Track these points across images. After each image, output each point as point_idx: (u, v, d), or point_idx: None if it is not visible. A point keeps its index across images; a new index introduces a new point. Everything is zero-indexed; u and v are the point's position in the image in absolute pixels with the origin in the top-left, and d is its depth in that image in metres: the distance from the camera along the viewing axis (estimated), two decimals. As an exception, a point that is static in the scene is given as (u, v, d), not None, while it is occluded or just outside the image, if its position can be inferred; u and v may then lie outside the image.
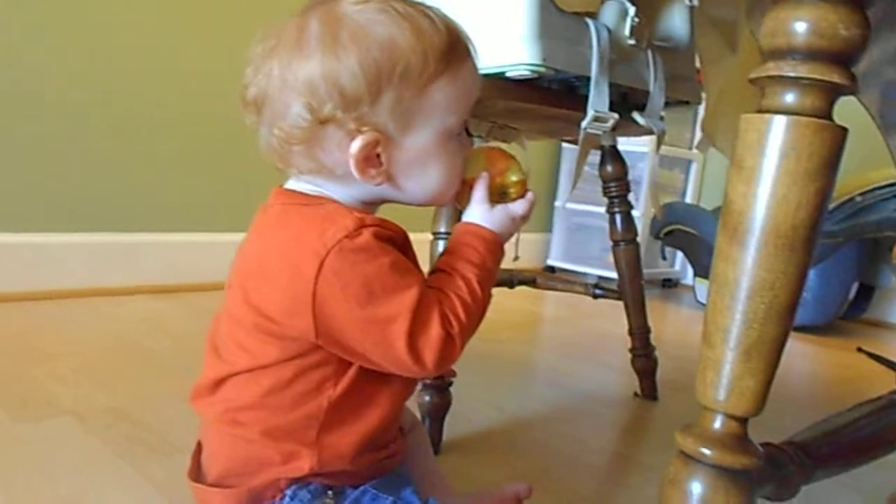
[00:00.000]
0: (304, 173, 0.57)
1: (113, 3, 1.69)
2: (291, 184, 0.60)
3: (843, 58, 0.45)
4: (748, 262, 0.48)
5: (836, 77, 0.45)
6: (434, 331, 0.53)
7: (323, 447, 0.56)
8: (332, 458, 0.57)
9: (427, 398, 0.95)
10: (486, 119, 1.04)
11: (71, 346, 1.33)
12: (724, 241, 0.50)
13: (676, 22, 1.10)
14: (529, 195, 0.63)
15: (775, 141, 0.46)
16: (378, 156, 0.55)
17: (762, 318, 0.48)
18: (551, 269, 2.93)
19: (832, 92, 0.46)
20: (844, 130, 0.46)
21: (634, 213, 1.29)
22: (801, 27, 0.45)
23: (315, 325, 0.52)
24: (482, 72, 0.86)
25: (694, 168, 2.90)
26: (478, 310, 0.57)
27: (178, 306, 1.71)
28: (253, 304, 0.55)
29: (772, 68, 0.47)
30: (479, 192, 0.61)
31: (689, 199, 2.90)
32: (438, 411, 0.96)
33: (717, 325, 0.50)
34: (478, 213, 0.61)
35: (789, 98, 0.47)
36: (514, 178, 0.63)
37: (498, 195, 0.62)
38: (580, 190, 2.56)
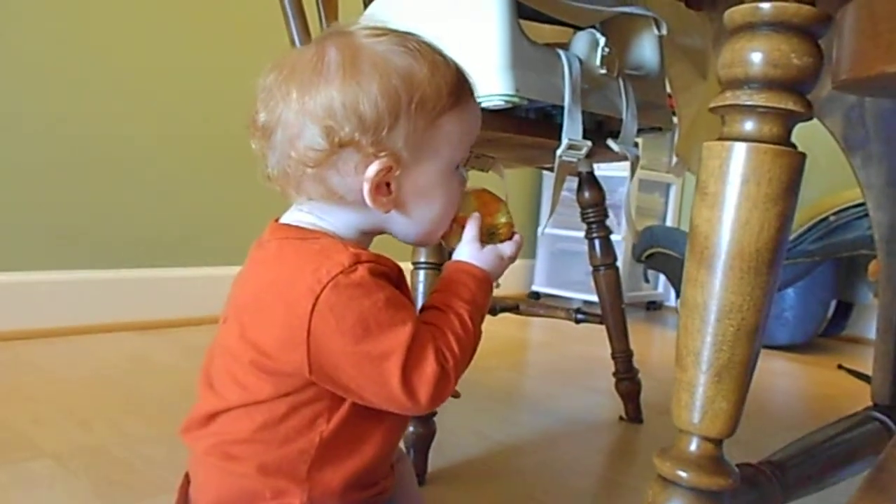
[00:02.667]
0: (313, 199, 0.57)
1: (95, 41, 1.70)
2: (288, 216, 0.60)
3: (797, 86, 0.47)
4: (716, 286, 0.49)
5: (791, 104, 0.47)
6: (429, 367, 0.53)
7: (314, 483, 0.56)
8: (323, 495, 0.57)
9: (411, 429, 0.94)
10: (462, 149, 1.05)
11: (52, 385, 1.31)
12: (691, 265, 0.51)
13: (647, 51, 1.13)
14: (517, 237, 0.66)
15: (736, 167, 0.48)
16: (388, 184, 0.56)
17: (731, 340, 0.49)
18: (536, 295, 2.94)
19: (789, 119, 0.48)
20: (803, 156, 0.48)
21: (616, 237, 1.31)
22: (756, 57, 0.47)
23: (309, 361, 0.52)
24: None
25: (673, 191, 2.94)
26: (470, 345, 0.58)
27: (163, 342, 1.70)
28: (249, 340, 0.55)
29: (730, 97, 0.49)
30: (472, 232, 0.63)
31: (669, 222, 2.93)
32: (423, 442, 0.96)
33: (689, 348, 0.51)
34: (469, 251, 0.63)
35: (748, 126, 0.48)
36: (503, 220, 0.65)
37: (487, 235, 0.64)
38: (562, 215, 2.58)
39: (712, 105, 0.51)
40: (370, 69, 0.53)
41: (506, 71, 0.86)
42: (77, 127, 1.69)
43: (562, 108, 0.94)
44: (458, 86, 0.57)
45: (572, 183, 1.27)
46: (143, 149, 1.81)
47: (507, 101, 0.86)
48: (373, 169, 0.54)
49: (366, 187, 0.55)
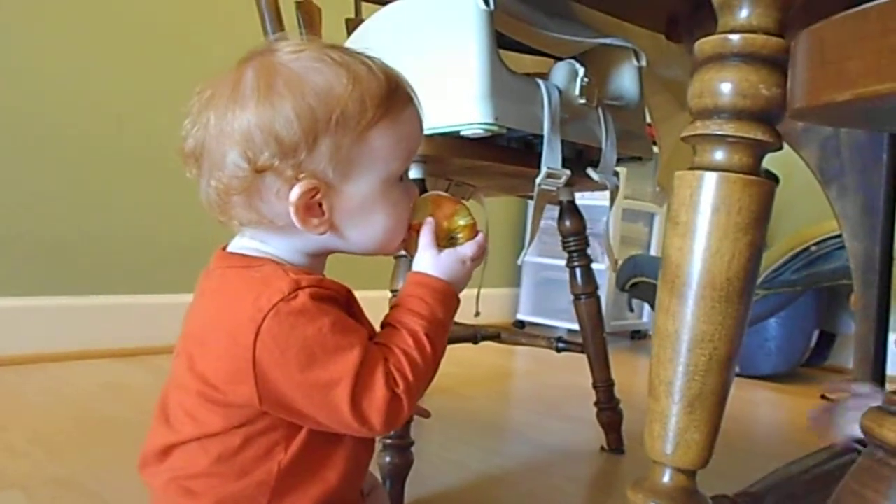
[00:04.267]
0: (245, 225, 0.56)
1: (51, 72, 1.70)
2: (234, 244, 0.59)
3: (766, 116, 0.47)
4: (688, 315, 0.49)
5: (760, 134, 0.47)
6: (378, 392, 0.52)
7: None
8: None
9: (388, 459, 0.93)
10: (442, 177, 1.06)
11: (24, 414, 1.28)
12: (664, 294, 0.51)
13: (626, 81, 1.14)
14: (479, 237, 0.62)
15: (707, 197, 0.48)
16: (320, 205, 0.54)
17: (703, 370, 0.49)
18: (521, 324, 2.93)
19: (758, 148, 0.48)
20: (772, 185, 0.48)
21: (599, 266, 1.31)
22: (725, 88, 0.47)
23: (258, 392, 0.51)
24: (438, 131, 0.89)
25: (657, 221, 2.95)
26: (427, 365, 0.55)
27: (138, 370, 1.67)
28: (197, 372, 0.54)
29: (700, 127, 0.49)
30: (426, 238, 0.60)
31: (652, 252, 2.94)
32: (399, 472, 0.94)
33: (661, 378, 0.51)
34: (425, 259, 0.60)
35: (718, 155, 0.48)
36: (461, 222, 0.62)
37: (446, 240, 0.61)
38: (546, 244, 2.58)
39: (683, 135, 0.51)
40: (284, 89, 0.52)
41: (485, 100, 0.86)
42: (49, 152, 1.68)
43: (541, 136, 0.94)
44: (388, 95, 0.55)
45: (555, 211, 1.27)
46: (115, 175, 1.79)
47: (486, 130, 0.87)
48: (295, 193, 0.53)
49: (292, 211, 0.53)
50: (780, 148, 0.49)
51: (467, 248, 0.61)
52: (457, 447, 1.28)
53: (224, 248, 0.60)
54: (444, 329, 0.59)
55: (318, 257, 0.60)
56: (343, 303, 0.56)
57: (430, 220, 0.61)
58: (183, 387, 0.56)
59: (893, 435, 0.29)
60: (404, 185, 0.59)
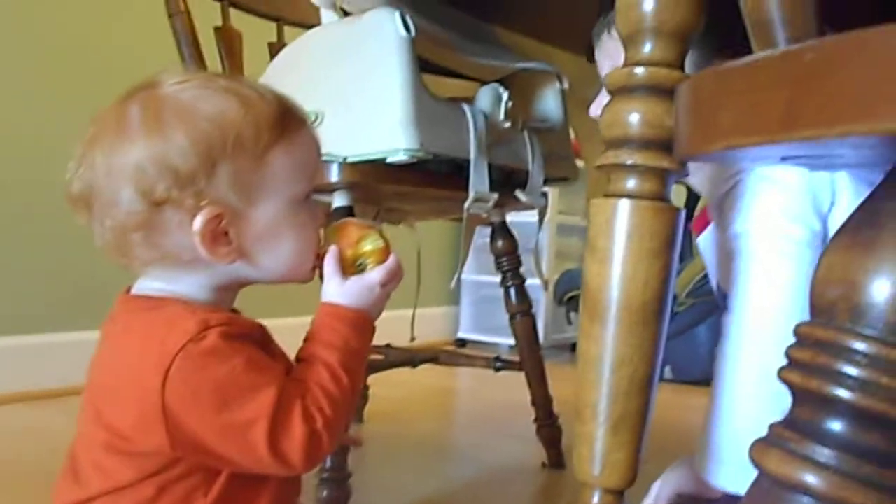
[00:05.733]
0: (147, 265, 0.54)
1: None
2: (137, 286, 0.57)
3: (671, 145, 0.49)
4: (608, 339, 0.50)
5: (666, 163, 0.49)
6: (296, 430, 0.50)
7: None
8: None
9: (325, 493, 0.92)
10: (372, 203, 1.06)
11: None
12: (585, 319, 0.52)
13: (550, 104, 1.17)
14: (389, 261, 0.61)
15: (621, 223, 0.50)
16: (226, 233, 0.53)
17: (625, 392, 0.50)
18: (462, 342, 2.94)
19: (666, 176, 0.50)
20: (680, 210, 0.50)
21: (535, 281, 1.33)
22: (633, 119, 0.49)
23: (170, 438, 0.49)
24: (364, 158, 0.89)
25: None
26: (344, 397, 0.54)
27: (58, 413, 1.59)
28: (104, 423, 0.52)
29: (612, 157, 0.51)
30: (328, 267, 0.59)
31: (588, 264, 3.00)
32: (338, 505, 0.93)
33: (586, 401, 0.52)
34: (330, 288, 0.59)
35: (630, 183, 0.50)
36: (368, 247, 0.60)
37: (354, 268, 0.60)
38: (484, 262, 2.60)
39: (597, 163, 0.52)
40: (175, 119, 0.51)
41: (409, 126, 0.87)
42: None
43: (469, 160, 0.95)
44: (281, 117, 0.54)
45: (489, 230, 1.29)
46: (22, 209, 1.71)
47: (411, 156, 0.87)
48: (199, 221, 0.51)
49: (198, 242, 0.51)
50: (687, 175, 0.51)
51: (375, 274, 0.60)
52: (397, 473, 1.27)
53: (127, 291, 0.57)
54: (360, 357, 0.58)
55: (229, 291, 0.58)
56: (257, 339, 0.54)
57: (332, 248, 0.60)
58: (90, 440, 0.54)
59: (776, 466, 0.31)
60: (310, 207, 0.58)
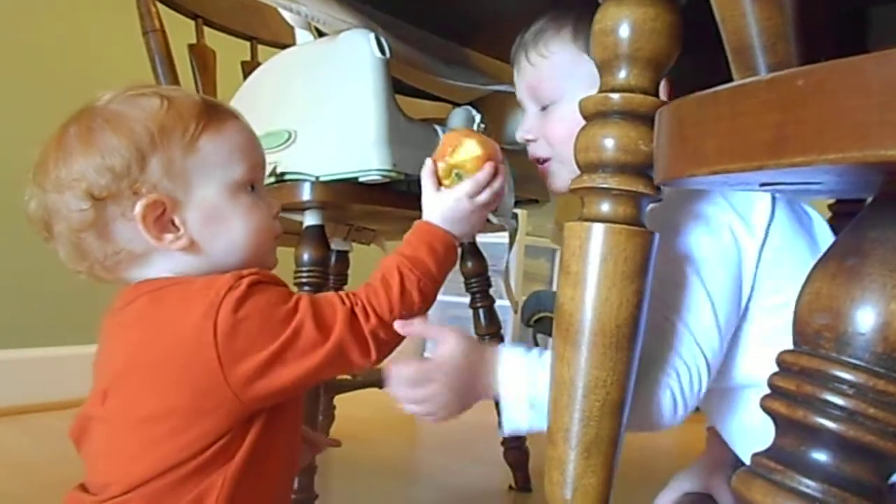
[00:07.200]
0: (104, 263, 0.57)
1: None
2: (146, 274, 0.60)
3: (645, 169, 0.50)
4: (581, 363, 0.50)
5: (641, 187, 0.49)
6: (339, 312, 0.57)
7: None
8: None
9: (290, 515, 0.90)
10: (343, 222, 1.05)
11: None
12: (559, 342, 0.52)
13: (522, 127, 1.17)
14: (480, 173, 0.64)
15: (595, 247, 0.50)
16: (173, 222, 0.57)
17: (598, 416, 0.50)
18: (429, 362, 2.92)
19: (640, 200, 0.50)
20: (653, 234, 0.50)
21: (504, 302, 1.33)
22: (608, 143, 0.50)
23: (231, 386, 0.53)
24: (336, 177, 0.88)
25: (559, 257, 3.04)
26: (389, 294, 0.60)
27: (18, 432, 1.54)
28: (138, 414, 0.54)
29: (586, 180, 0.51)
30: (423, 181, 0.66)
31: (555, 287, 3.01)
32: (303, 528, 0.91)
33: (558, 424, 0.51)
34: (423, 201, 0.65)
35: (604, 207, 0.50)
36: (460, 157, 0.60)
37: (451, 178, 0.61)
38: (452, 282, 2.58)
39: (571, 187, 0.53)
40: (105, 126, 0.56)
41: (382, 146, 0.87)
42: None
43: (441, 181, 0.95)
44: (204, 109, 0.59)
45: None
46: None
47: (384, 176, 0.87)
48: (139, 207, 0.55)
49: (141, 228, 0.55)
50: (660, 199, 0.51)
51: (462, 187, 0.64)
52: (363, 496, 1.25)
53: (136, 284, 0.59)
54: (424, 265, 0.63)
55: None
56: (283, 284, 0.59)
57: (427, 162, 0.65)
58: (119, 439, 0.55)
59: (761, 497, 0.31)
60: (259, 196, 0.62)
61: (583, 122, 0.52)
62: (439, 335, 0.62)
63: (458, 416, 0.64)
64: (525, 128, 0.76)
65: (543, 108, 0.74)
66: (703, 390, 0.59)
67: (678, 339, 0.58)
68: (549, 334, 2.53)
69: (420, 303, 0.62)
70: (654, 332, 0.55)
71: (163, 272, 0.58)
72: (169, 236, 0.57)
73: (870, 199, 0.31)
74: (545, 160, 0.75)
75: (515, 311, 1.95)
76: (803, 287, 0.31)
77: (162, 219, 0.56)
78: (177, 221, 0.57)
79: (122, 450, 0.55)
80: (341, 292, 0.59)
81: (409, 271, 0.61)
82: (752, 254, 0.59)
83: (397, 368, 0.63)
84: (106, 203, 0.55)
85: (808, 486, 0.31)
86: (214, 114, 0.59)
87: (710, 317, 0.58)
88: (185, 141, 0.56)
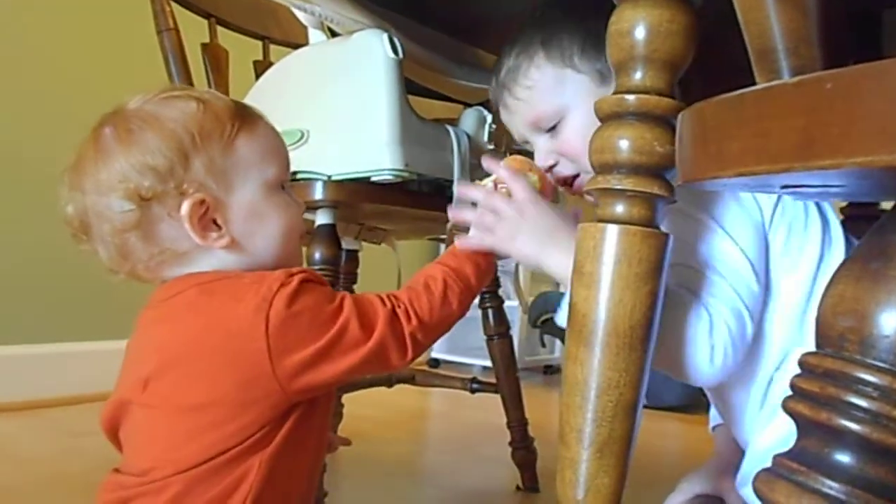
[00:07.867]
0: (148, 263, 0.58)
1: None
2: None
3: (661, 171, 0.50)
4: (594, 363, 0.50)
5: (656, 189, 0.49)
6: (377, 306, 0.60)
7: None
8: None
9: (299, 513, 0.90)
10: (354, 221, 1.05)
11: None
12: (571, 343, 0.52)
13: (533, 127, 1.18)
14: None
15: (609, 248, 0.50)
16: (215, 221, 0.58)
17: (611, 416, 0.50)
18: (436, 362, 2.93)
19: (655, 202, 0.50)
20: (667, 236, 0.50)
21: (512, 303, 1.33)
22: (623, 145, 0.50)
23: (276, 372, 0.54)
24: (348, 177, 0.89)
25: (566, 257, 3.03)
26: (431, 299, 0.63)
27: (22, 427, 1.55)
28: (182, 404, 0.55)
29: (601, 181, 0.51)
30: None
31: (563, 288, 3.01)
32: (313, 526, 0.91)
33: (571, 425, 0.52)
34: None
35: (619, 208, 0.50)
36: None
37: None
38: (459, 282, 2.60)
39: (586, 188, 0.53)
40: (144, 128, 0.57)
41: (395, 146, 0.87)
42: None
43: (452, 181, 0.96)
44: (238, 111, 0.61)
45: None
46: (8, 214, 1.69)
47: (396, 176, 0.87)
48: (185, 207, 0.56)
49: (188, 227, 0.57)
50: (675, 201, 0.51)
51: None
52: (371, 495, 1.25)
53: (180, 277, 0.60)
54: (467, 278, 0.66)
55: None
56: (327, 284, 0.61)
57: (488, 182, 0.72)
58: (166, 435, 0.56)
59: (784, 499, 0.31)
60: (288, 193, 0.64)
61: (594, 127, 0.52)
62: (511, 180, 0.67)
63: (526, 258, 0.66)
64: (541, 156, 0.76)
65: (550, 131, 0.74)
66: (748, 337, 0.59)
67: (709, 284, 0.58)
68: (556, 335, 2.54)
69: (458, 313, 0.65)
70: (680, 282, 0.56)
71: (205, 269, 0.60)
72: (213, 234, 0.58)
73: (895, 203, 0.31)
74: (573, 178, 0.75)
75: (525, 312, 1.95)
76: (826, 289, 0.31)
77: (205, 218, 0.58)
78: (219, 220, 0.59)
79: (166, 437, 0.56)
80: (380, 292, 0.61)
81: (454, 282, 0.65)
82: (768, 213, 0.61)
83: (466, 187, 0.69)
84: (151, 203, 0.56)
85: (832, 487, 0.31)
86: (247, 115, 0.61)
87: (742, 261, 0.59)
88: (223, 142, 0.58)
